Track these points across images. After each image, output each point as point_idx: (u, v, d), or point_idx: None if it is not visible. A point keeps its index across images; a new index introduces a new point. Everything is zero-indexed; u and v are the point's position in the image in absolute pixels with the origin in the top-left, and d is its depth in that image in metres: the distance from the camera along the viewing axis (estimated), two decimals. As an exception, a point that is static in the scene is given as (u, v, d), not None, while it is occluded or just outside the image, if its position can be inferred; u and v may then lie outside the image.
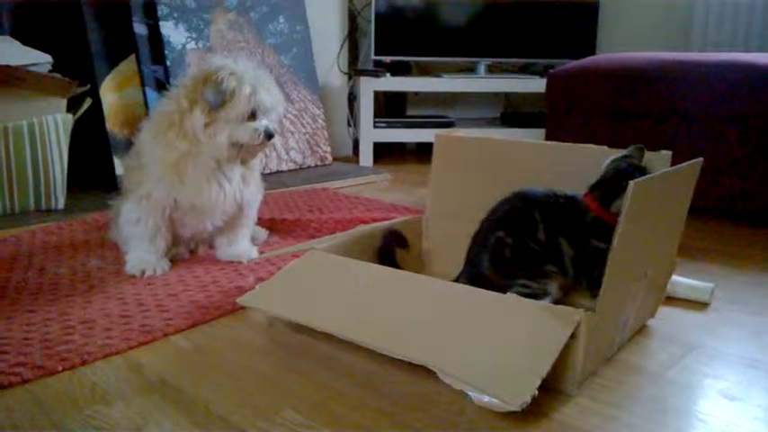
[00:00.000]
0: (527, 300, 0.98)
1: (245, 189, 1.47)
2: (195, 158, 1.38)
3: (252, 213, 1.54)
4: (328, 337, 1.04)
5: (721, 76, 1.84)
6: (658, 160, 1.12)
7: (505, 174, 1.31)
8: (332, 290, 1.11)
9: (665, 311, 1.21)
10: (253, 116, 1.37)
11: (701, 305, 1.27)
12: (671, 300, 1.27)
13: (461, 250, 1.24)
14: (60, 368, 0.98)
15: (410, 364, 0.92)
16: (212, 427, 0.84)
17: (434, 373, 0.88)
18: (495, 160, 1.35)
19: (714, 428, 0.85)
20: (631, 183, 0.88)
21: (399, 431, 0.83)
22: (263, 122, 1.39)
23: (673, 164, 1.07)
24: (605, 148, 1.22)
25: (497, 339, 0.91)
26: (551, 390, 0.90)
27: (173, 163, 1.38)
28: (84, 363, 1.00)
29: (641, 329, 1.15)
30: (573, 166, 1.24)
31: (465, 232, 1.21)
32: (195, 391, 0.93)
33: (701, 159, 1.10)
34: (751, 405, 0.91)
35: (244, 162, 1.45)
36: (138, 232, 1.43)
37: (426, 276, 1.18)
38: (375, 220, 1.71)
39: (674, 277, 1.25)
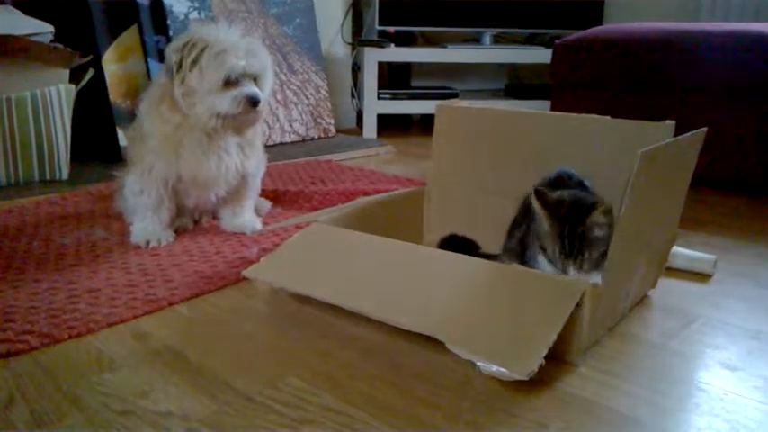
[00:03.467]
0: (532, 270, 0.99)
1: (245, 160, 1.46)
2: (189, 131, 1.37)
3: (255, 185, 1.54)
4: (333, 308, 1.05)
5: (731, 46, 1.82)
6: (662, 130, 1.12)
7: (507, 144, 1.30)
8: (336, 261, 1.11)
9: (666, 283, 1.22)
10: (233, 84, 1.33)
11: (702, 277, 1.27)
12: (672, 271, 1.27)
13: (463, 221, 1.24)
14: (66, 336, 0.99)
15: (416, 333, 0.93)
16: (217, 393, 0.85)
17: (441, 342, 0.89)
18: (498, 131, 1.34)
19: (713, 397, 0.86)
20: (639, 152, 0.87)
21: (405, 400, 0.84)
22: (244, 89, 1.33)
23: (677, 135, 1.07)
24: (608, 118, 1.21)
25: (504, 309, 0.92)
26: (555, 359, 0.90)
27: (168, 136, 1.37)
28: (89, 331, 1.01)
29: (642, 300, 1.16)
30: (575, 137, 1.23)
31: (467, 203, 1.21)
32: (200, 359, 0.94)
33: (704, 129, 1.09)
34: (751, 375, 0.91)
35: (239, 132, 1.41)
36: (142, 203, 1.43)
37: (431, 248, 1.18)
38: (378, 192, 1.71)
39: (676, 248, 1.25)
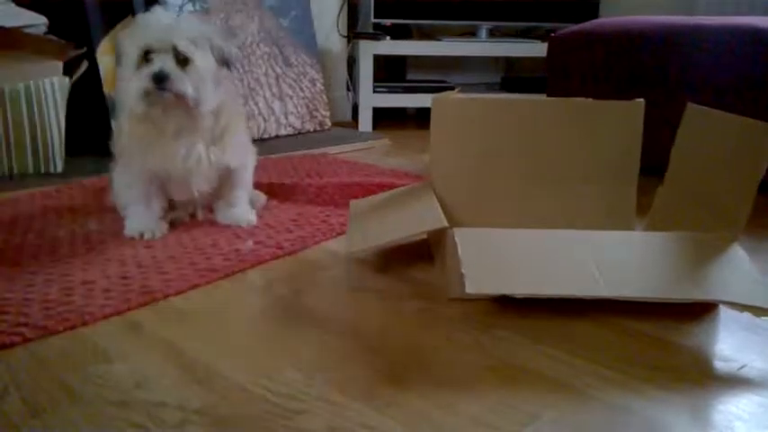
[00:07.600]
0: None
1: (221, 154, 1.40)
2: (153, 126, 1.34)
3: (244, 177, 1.51)
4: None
5: (728, 39, 1.82)
6: (632, 109, 1.12)
7: (506, 133, 1.29)
8: (529, 257, 1.07)
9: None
10: (149, 62, 1.24)
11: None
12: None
13: (467, 210, 1.22)
14: (61, 328, 0.99)
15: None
16: (213, 384, 0.85)
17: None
18: (495, 120, 1.33)
19: (706, 388, 0.86)
20: (689, 105, 0.92)
21: (401, 390, 0.84)
22: (152, 65, 1.23)
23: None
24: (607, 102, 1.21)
25: (714, 263, 1.04)
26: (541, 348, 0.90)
27: (137, 133, 1.35)
28: (84, 323, 1.01)
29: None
30: (574, 122, 1.23)
31: (466, 194, 1.19)
32: (195, 351, 0.94)
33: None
34: (745, 367, 0.92)
35: (183, 120, 1.33)
36: (133, 196, 1.42)
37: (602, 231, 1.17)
38: (373, 185, 1.71)
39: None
